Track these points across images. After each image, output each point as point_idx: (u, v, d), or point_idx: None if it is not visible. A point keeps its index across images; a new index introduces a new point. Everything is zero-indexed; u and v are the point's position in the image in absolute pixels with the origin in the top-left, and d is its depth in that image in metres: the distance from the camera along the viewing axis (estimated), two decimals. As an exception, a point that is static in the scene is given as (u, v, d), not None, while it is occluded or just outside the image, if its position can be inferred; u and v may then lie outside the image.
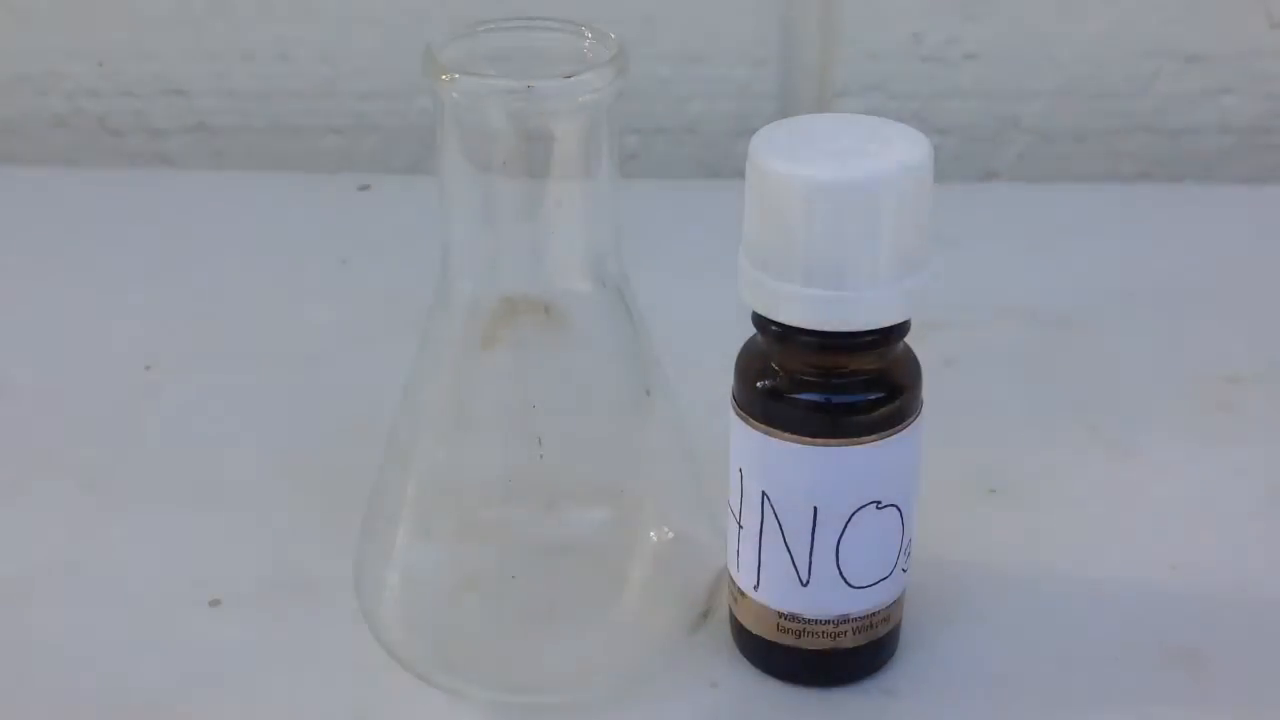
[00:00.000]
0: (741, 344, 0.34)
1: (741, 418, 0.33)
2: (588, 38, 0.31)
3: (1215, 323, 0.50)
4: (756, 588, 0.34)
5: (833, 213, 0.30)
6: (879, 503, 0.33)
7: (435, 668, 0.34)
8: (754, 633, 0.35)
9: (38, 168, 0.61)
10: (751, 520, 0.34)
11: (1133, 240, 0.55)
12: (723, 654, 0.36)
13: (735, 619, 0.36)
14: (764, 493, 0.33)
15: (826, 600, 0.34)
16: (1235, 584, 0.38)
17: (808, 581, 0.34)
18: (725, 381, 0.34)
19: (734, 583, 0.35)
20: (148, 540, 0.40)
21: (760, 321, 0.33)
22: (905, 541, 0.34)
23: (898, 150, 0.31)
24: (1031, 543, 0.39)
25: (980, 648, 0.36)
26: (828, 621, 0.34)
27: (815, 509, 0.33)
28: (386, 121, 0.60)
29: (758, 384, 0.33)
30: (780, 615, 0.34)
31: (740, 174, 0.32)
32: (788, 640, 0.34)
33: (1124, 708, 0.34)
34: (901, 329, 0.32)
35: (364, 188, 0.59)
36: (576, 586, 0.34)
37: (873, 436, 0.32)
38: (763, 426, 0.33)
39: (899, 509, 0.33)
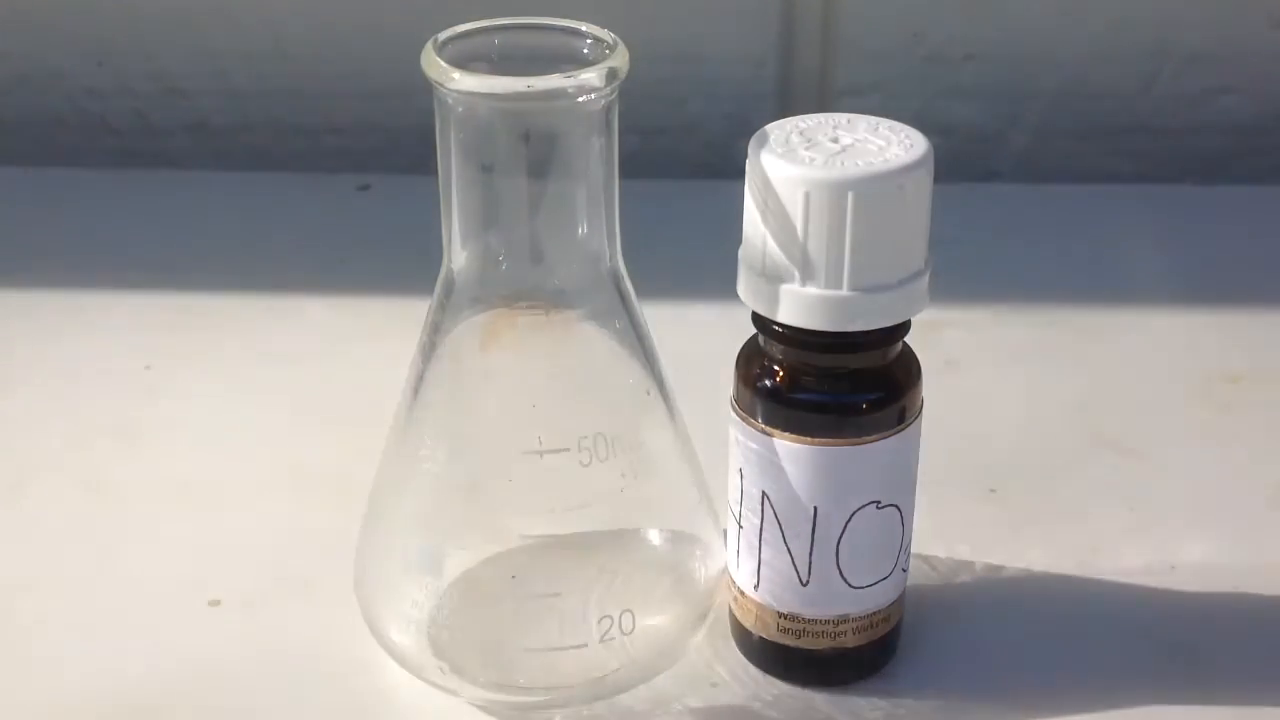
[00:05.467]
0: (741, 344, 0.34)
1: (741, 418, 0.33)
2: (587, 38, 0.31)
3: (1215, 323, 0.50)
4: (756, 588, 0.34)
5: (832, 212, 0.30)
6: (879, 503, 0.33)
7: (435, 668, 0.34)
8: (754, 633, 0.35)
9: (38, 168, 0.61)
10: (751, 520, 0.34)
11: (1133, 240, 0.55)
12: (723, 654, 0.36)
13: (735, 619, 0.35)
14: (764, 493, 0.33)
15: (826, 600, 0.34)
16: (1235, 584, 0.38)
17: (808, 581, 0.33)
18: (725, 381, 0.34)
19: (734, 583, 0.35)
20: (148, 540, 0.40)
21: (760, 321, 0.33)
22: (905, 541, 0.34)
23: (898, 150, 0.31)
24: (1031, 543, 0.39)
25: (980, 648, 0.36)
26: (828, 621, 0.34)
27: (815, 509, 0.33)
28: (386, 121, 0.60)
29: (758, 384, 0.33)
30: (780, 615, 0.34)
31: (740, 174, 0.32)
32: (788, 640, 0.34)
33: (1124, 708, 0.34)
34: (901, 329, 0.32)
35: (364, 188, 0.60)
36: (576, 586, 0.34)
37: (873, 436, 0.32)
38: (763, 426, 0.33)
39: (899, 509, 0.33)
